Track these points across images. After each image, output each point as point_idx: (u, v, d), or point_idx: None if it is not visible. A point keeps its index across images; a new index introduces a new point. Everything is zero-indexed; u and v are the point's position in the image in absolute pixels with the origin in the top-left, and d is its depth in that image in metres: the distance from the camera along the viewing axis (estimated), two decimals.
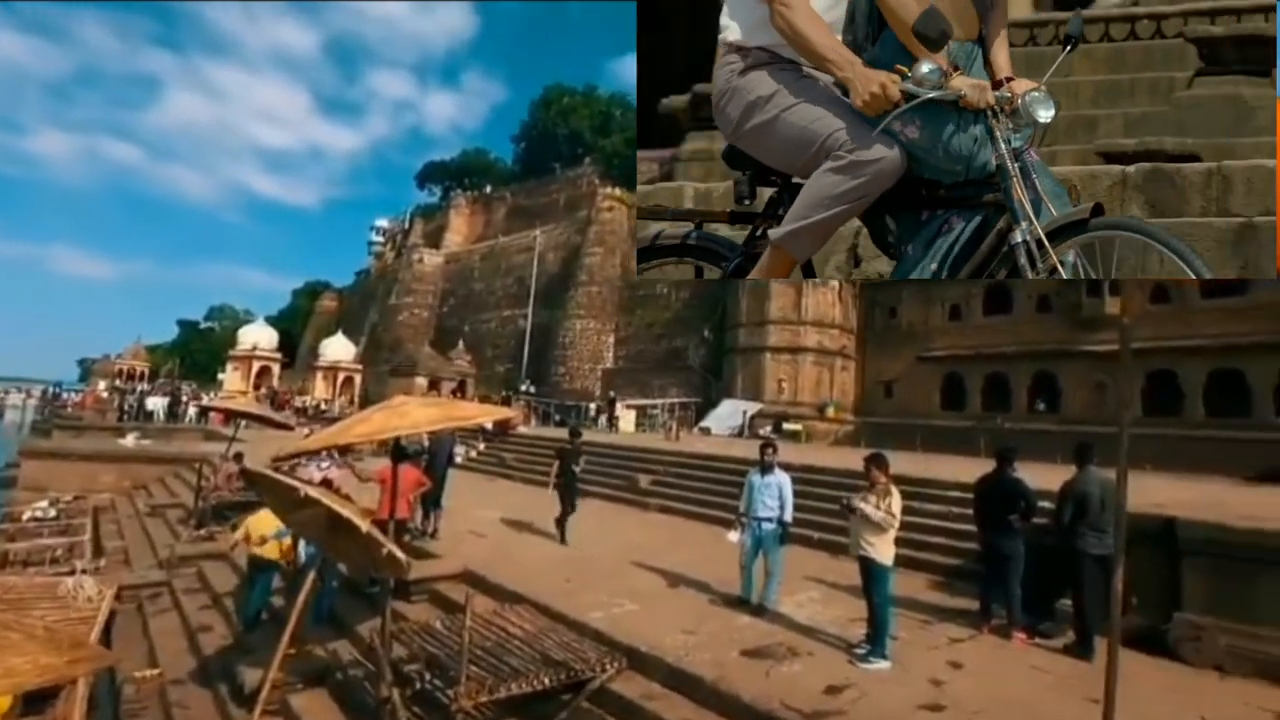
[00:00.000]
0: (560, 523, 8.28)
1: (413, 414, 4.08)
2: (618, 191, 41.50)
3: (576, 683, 4.35)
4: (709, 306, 34.29)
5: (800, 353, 29.78)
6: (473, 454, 17.17)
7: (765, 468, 5.96)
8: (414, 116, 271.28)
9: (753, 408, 28.78)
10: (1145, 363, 22.72)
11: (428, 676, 4.56)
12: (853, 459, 10.61)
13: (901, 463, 11.24)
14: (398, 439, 4.72)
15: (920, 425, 25.22)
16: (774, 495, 5.80)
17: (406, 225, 63.72)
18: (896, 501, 4.84)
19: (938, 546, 7.96)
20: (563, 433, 21.45)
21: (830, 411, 29.45)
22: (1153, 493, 8.53)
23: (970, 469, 8.33)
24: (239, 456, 10.35)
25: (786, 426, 27.65)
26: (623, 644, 4.82)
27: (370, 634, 5.10)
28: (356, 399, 35.28)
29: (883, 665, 4.61)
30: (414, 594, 6.43)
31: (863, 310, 31.27)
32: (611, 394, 31.10)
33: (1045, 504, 5.83)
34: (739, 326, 31.33)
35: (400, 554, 3.92)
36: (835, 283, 30.46)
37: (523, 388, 32.23)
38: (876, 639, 4.74)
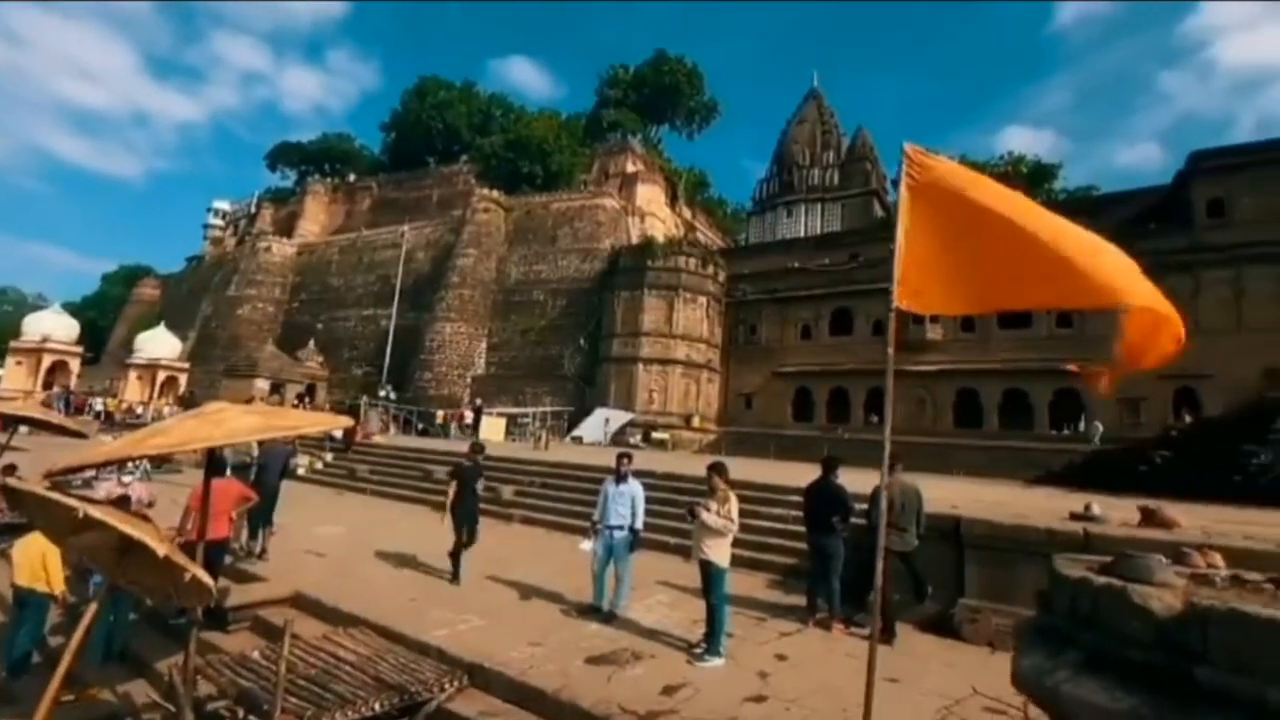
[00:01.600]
0: (455, 555, 7.02)
1: (230, 422, 3.69)
2: (495, 193, 40.50)
3: (411, 705, 4.16)
4: (585, 315, 34.48)
5: (670, 364, 30.86)
6: (318, 465, 15.80)
7: (620, 477, 6.11)
8: (267, 91, 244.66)
9: (624, 417, 29.33)
10: (955, 382, 26.49)
11: (240, 713, 4.12)
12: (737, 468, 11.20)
13: (755, 469, 12.04)
14: (213, 450, 4.25)
15: (774, 435, 27.24)
16: (626, 504, 5.97)
17: (253, 209, 57.40)
18: (734, 507, 5.19)
19: (777, 548, 8.60)
20: (427, 443, 20.56)
21: (696, 421, 30.80)
22: (955, 495, 9.90)
23: (813, 476, 9.08)
24: (10, 469, 8.64)
25: (655, 435, 28.52)
26: (465, 661, 4.70)
27: (171, 671, 4.51)
28: (177, 403, 30.90)
29: (717, 663, 4.91)
30: (232, 623, 5.78)
31: (728, 327, 33.14)
32: (472, 400, 29.95)
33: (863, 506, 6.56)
34: (614, 336, 31.84)
35: (206, 578, 3.52)
36: (704, 299, 32.08)
37: (382, 393, 30.17)
38: (713, 638, 5.04)
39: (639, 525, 6.02)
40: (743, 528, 8.99)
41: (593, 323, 33.78)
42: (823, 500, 6.27)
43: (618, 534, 5.94)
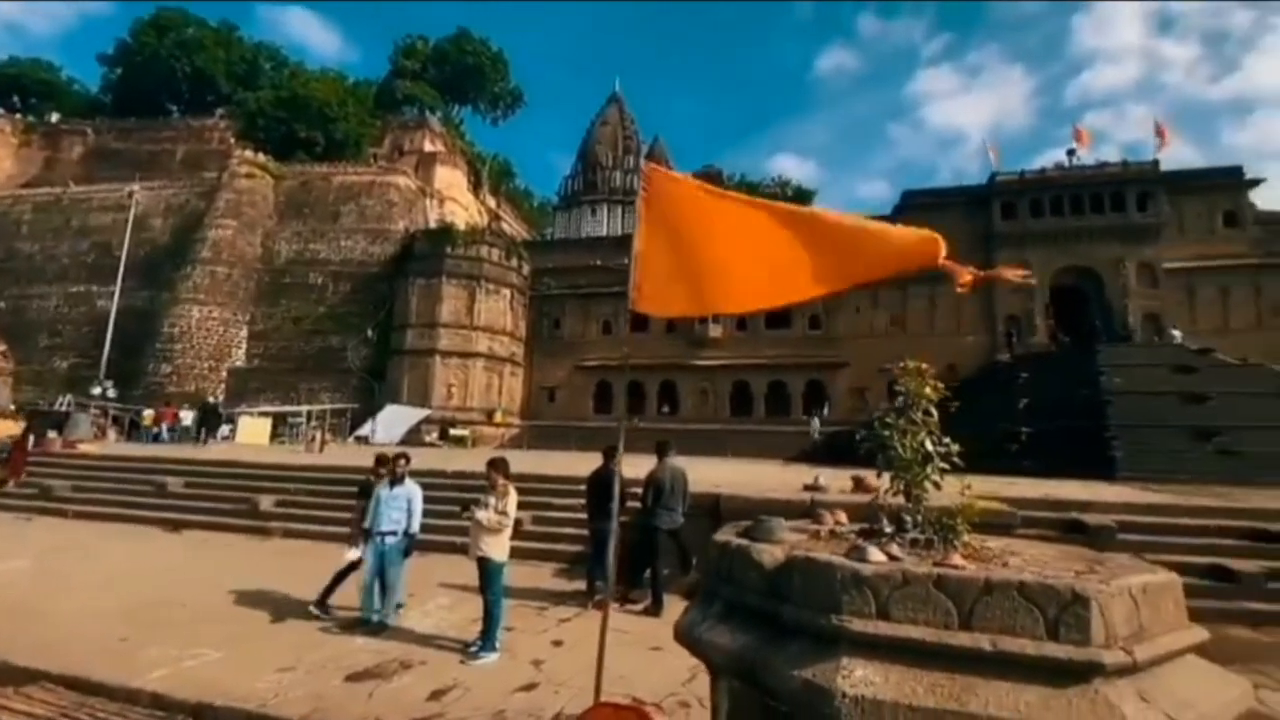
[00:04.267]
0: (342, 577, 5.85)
1: None
2: (262, 157, 35.03)
3: None
4: (374, 303, 31.61)
5: (472, 358, 29.79)
6: None
7: (395, 479, 5.76)
8: None
9: (419, 414, 27.59)
10: (732, 375, 29.77)
11: None
12: (515, 462, 11.10)
13: (553, 462, 12.19)
14: None
15: (576, 427, 27.88)
16: (401, 508, 5.65)
17: None
18: (512, 501, 5.22)
19: (568, 537, 8.85)
20: (162, 450, 17.01)
21: (499, 416, 30.20)
22: (723, 475, 11.10)
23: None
24: None
25: (454, 432, 27.32)
26: (189, 703, 4.05)
27: None
28: None
29: (491, 658, 4.90)
30: None
31: (532, 320, 33.02)
32: (211, 400, 25.60)
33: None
34: (408, 327, 29.73)
35: None
36: (508, 291, 31.53)
37: (98, 391, 24.39)
38: (488, 635, 5.02)
39: (415, 529, 5.74)
40: (534, 519, 9.18)
41: (383, 312, 31.15)
42: (603, 488, 6.60)
43: (390, 540, 5.59)
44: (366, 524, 5.79)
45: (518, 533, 7.21)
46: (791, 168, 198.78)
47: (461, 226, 34.03)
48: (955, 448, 1.71)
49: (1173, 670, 1.24)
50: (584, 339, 32.10)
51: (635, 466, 7.71)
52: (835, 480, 8.04)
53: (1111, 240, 27.34)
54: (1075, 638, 1.16)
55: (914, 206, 30.51)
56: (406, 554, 5.74)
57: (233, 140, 37.69)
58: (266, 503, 10.18)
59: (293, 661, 4.79)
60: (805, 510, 6.62)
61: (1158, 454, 13.46)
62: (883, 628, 1.25)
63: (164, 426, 21.82)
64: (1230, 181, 28.12)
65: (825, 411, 27.38)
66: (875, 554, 1.40)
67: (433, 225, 34.81)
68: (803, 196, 48.99)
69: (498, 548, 5.17)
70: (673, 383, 30.58)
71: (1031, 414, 17.03)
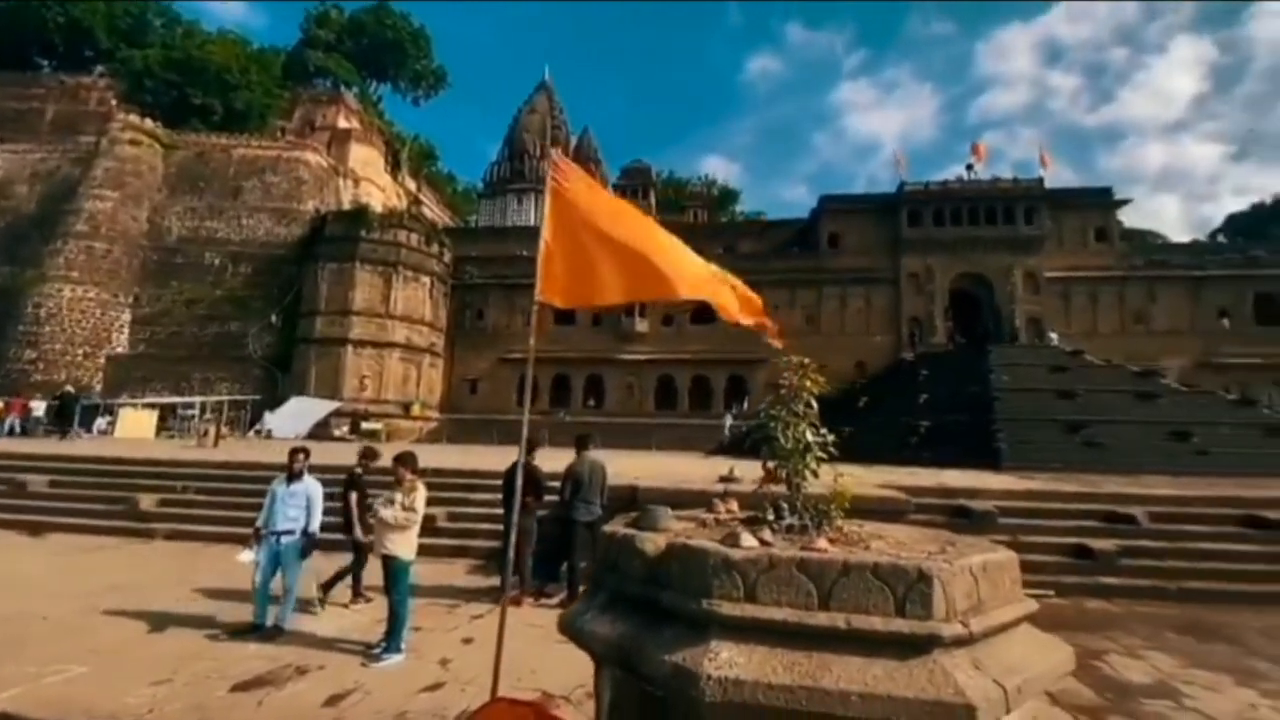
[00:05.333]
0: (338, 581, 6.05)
1: None
2: (150, 124, 31.85)
3: None
4: (279, 287, 29.58)
5: (388, 348, 28.54)
6: None
7: (293, 475, 5.43)
8: None
9: (328, 406, 26.13)
10: (657, 370, 30.14)
11: None
12: (431, 456, 10.72)
13: (472, 457, 11.89)
14: None
15: (498, 421, 27.33)
16: (299, 505, 5.34)
17: None
18: (420, 497, 5.05)
19: (483, 533, 8.67)
20: (24, 444, 15.11)
21: (416, 409, 29.11)
22: (644, 467, 11.22)
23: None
24: None
25: (367, 425, 26.06)
26: None
27: None
28: None
29: (396, 659, 4.74)
30: None
31: (453, 310, 31.99)
32: (70, 389, 23.04)
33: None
34: (317, 314, 28.06)
35: None
36: (427, 279, 30.37)
37: None
38: (393, 635, 4.85)
39: (315, 528, 5.43)
40: (449, 515, 8.94)
41: (289, 297, 29.23)
42: (516, 481, 6.50)
43: (286, 539, 5.27)
44: (259, 523, 5.43)
45: (429, 529, 7.03)
46: (719, 169, 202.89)
47: (378, 209, 32.41)
48: (831, 438, 1.82)
49: (1006, 640, 1.38)
50: (508, 330, 31.46)
51: (558, 460, 7.67)
52: (750, 471, 8.31)
53: (1002, 250, 29.80)
54: (919, 613, 1.27)
55: (831, 211, 31.96)
56: (305, 555, 5.43)
57: (114, 102, 33.95)
58: (148, 502, 9.33)
59: (170, 673, 4.43)
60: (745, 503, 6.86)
61: (1036, 445, 14.82)
62: (749, 610, 1.31)
63: (14, 419, 19.29)
64: (1101, 201, 31.33)
65: (745, 406, 28.24)
66: (748, 539, 1.46)
67: (346, 206, 32.92)
68: (728, 197, 50.08)
69: (404, 545, 4.99)
70: (599, 376, 30.58)
71: (930, 409, 18.30)
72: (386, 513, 4.89)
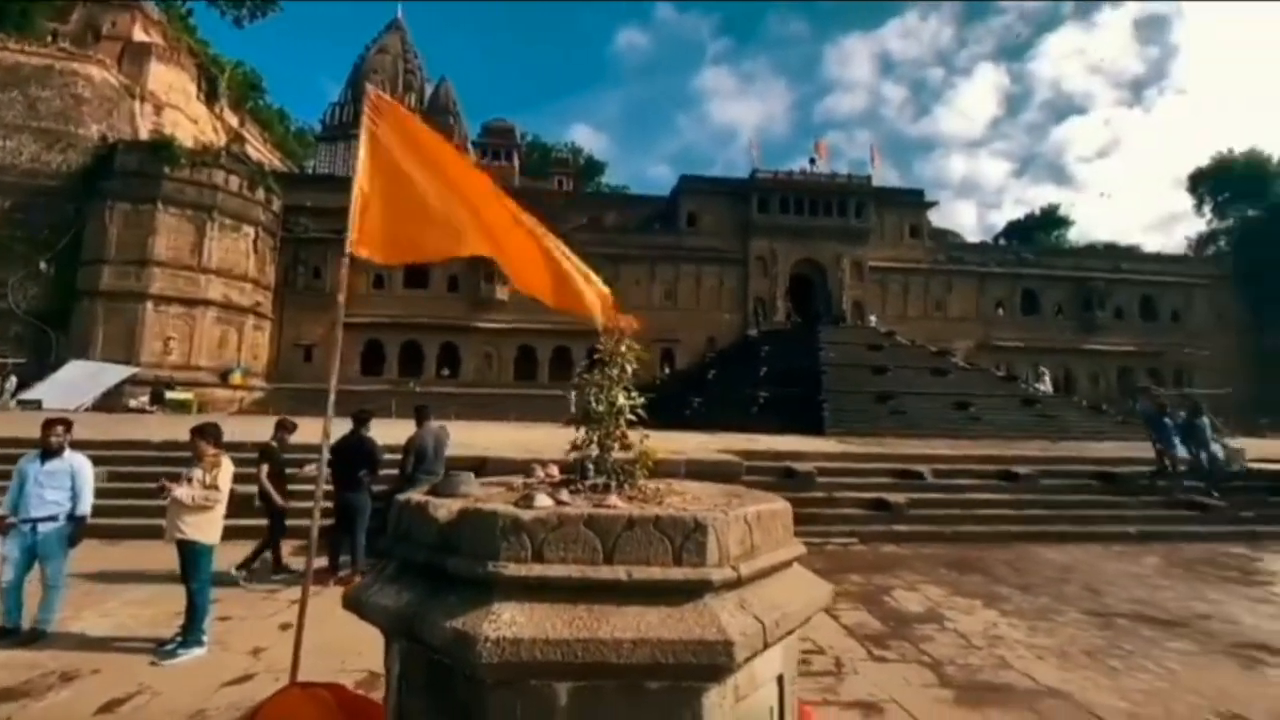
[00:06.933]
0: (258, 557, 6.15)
1: None
2: None
3: None
4: (50, 228, 24.33)
5: (199, 306, 24.91)
6: None
7: (49, 452, 4.55)
8: None
9: (121, 372, 22.25)
10: (517, 339, 29.52)
11: None
12: (251, 428, 9.54)
13: (306, 431, 10.80)
14: None
15: (339, 390, 25.11)
16: (61, 486, 4.50)
17: None
18: (225, 474, 4.51)
19: (310, 511, 7.96)
20: None
21: (236, 377, 25.84)
22: (497, 438, 10.98)
23: (382, 432, 8.65)
24: None
25: (172, 395, 22.65)
26: None
27: None
28: None
29: (195, 654, 4.25)
30: None
31: (284, 266, 28.61)
32: None
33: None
34: (104, 263, 23.61)
35: None
36: (251, 229, 26.77)
37: None
38: (192, 628, 4.33)
39: (85, 510, 4.63)
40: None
41: (65, 240, 24.22)
42: (351, 455, 6.07)
43: (45, 527, 4.44)
44: (4, 510, 4.51)
45: (248, 510, 6.33)
46: (587, 139, 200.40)
47: (188, 144, 27.76)
48: (642, 400, 1.90)
49: (775, 581, 1.55)
50: (351, 291, 28.81)
51: (390, 432, 7.21)
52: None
53: (835, 239, 32.99)
54: (694, 560, 1.38)
55: (690, 191, 33.09)
56: (74, 543, 4.62)
57: None
58: None
59: None
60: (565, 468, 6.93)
61: (854, 414, 16.82)
62: (535, 569, 1.34)
63: None
64: (916, 202, 35.79)
65: (572, 394, 28.73)
66: (542, 500, 1.48)
67: (144, 136, 27.74)
68: (595, 168, 49.75)
69: (205, 529, 4.44)
70: (454, 344, 29.23)
71: (769, 381, 19.96)
72: (182, 492, 4.30)
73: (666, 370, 29.08)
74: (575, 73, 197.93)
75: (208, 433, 4.51)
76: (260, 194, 27.42)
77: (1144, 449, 11.34)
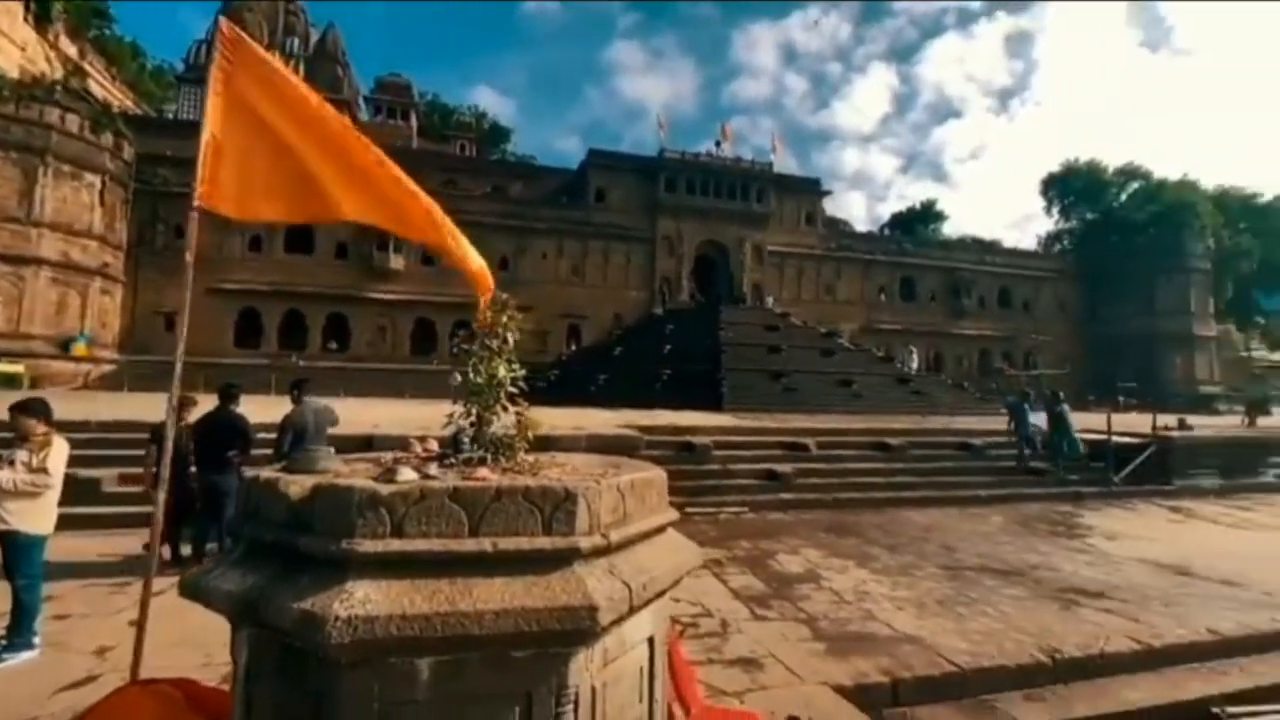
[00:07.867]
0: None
1: None
2: None
3: None
4: None
5: (28, 264, 21.58)
6: None
7: None
8: None
9: None
10: (414, 312, 28.07)
11: None
12: (101, 406, 8.43)
13: (162, 407, 9.68)
14: None
15: (209, 364, 22.78)
16: None
17: None
18: (56, 455, 3.96)
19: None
20: None
21: (79, 347, 22.71)
22: (388, 415, 10.46)
23: (258, 410, 7.92)
24: None
25: None
26: None
27: None
28: None
29: (25, 657, 3.76)
30: None
31: (138, 222, 25.29)
32: None
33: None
34: None
35: None
36: (96, 179, 23.35)
37: None
38: (21, 628, 3.82)
39: None
40: (121, 478, 7.23)
41: None
42: (217, 433, 5.53)
43: None
44: None
45: (91, 497, 5.64)
46: (492, 102, 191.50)
47: (13, 74, 23.66)
48: (524, 373, 1.87)
49: (645, 547, 1.60)
50: (221, 254, 26.03)
51: (267, 410, 6.65)
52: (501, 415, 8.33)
53: (738, 222, 34.03)
54: (564, 529, 1.39)
55: (599, 166, 32.72)
56: None
57: None
58: None
59: None
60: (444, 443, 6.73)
61: (750, 390, 17.63)
62: (394, 545, 1.29)
63: None
64: (813, 190, 37.60)
65: (456, 375, 28.11)
66: (406, 474, 1.43)
67: None
68: (500, 134, 47.86)
69: (33, 517, 3.90)
70: (343, 315, 27.31)
71: (673, 358, 20.43)
72: (3, 476, 3.74)
73: (573, 347, 28.90)
74: (480, 32, 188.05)
75: (33, 409, 3.94)
76: (107, 139, 23.91)
77: (998, 422, 12.80)
